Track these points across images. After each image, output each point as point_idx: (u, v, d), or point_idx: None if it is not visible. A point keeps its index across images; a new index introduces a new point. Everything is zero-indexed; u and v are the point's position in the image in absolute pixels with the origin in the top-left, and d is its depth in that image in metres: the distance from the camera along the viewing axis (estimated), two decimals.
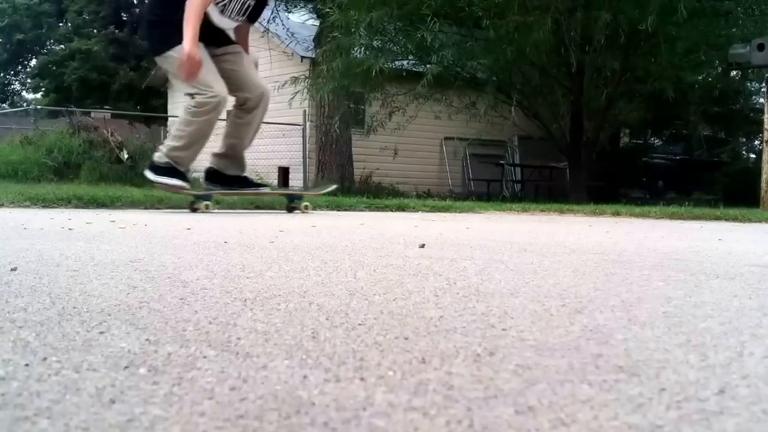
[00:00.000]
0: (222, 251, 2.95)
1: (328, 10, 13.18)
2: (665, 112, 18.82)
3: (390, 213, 8.10)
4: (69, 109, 13.51)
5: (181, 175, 6.48)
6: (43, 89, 29.82)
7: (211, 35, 6.34)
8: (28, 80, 31.96)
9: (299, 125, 15.60)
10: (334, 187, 8.50)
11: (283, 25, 16.18)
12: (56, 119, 15.30)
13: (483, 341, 1.33)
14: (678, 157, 25.77)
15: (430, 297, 1.85)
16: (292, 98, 13.86)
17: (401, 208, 8.69)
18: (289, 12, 17.39)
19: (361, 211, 8.24)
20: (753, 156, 25.28)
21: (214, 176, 6.84)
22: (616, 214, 8.37)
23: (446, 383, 1.04)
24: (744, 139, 26.56)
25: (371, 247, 3.30)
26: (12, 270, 2.19)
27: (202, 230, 4.22)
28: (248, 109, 6.58)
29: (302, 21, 17.05)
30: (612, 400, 0.97)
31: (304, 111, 15.19)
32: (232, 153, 6.80)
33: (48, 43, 30.86)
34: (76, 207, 6.77)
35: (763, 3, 13.19)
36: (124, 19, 30.35)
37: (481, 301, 1.80)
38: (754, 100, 21.88)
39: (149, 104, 26.70)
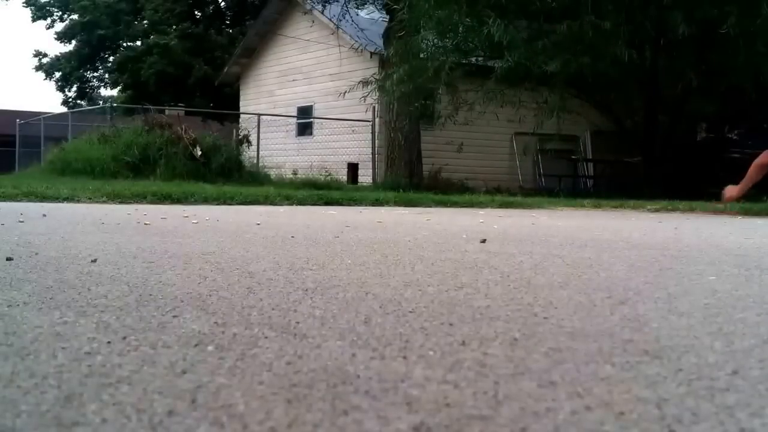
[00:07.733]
0: (289, 245, 3.10)
1: (395, 6, 13.27)
2: (745, 107, 18.33)
3: (457, 209, 8.17)
4: (144, 106, 13.94)
5: None
6: (121, 84, 30.79)
7: None
8: (106, 76, 33.00)
9: (368, 121, 15.77)
10: None
11: (352, 21, 16.37)
12: (131, 117, 15.72)
13: (523, 327, 1.42)
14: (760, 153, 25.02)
15: (482, 288, 1.94)
16: (363, 98, 14.05)
17: (469, 204, 8.75)
18: (359, 9, 17.58)
19: (429, 206, 8.33)
20: None
21: None
22: (690, 210, 8.25)
23: (480, 362, 1.14)
24: None
25: (433, 242, 3.40)
26: (92, 261, 2.37)
27: (271, 226, 4.39)
28: None
29: (372, 18, 17.20)
30: (629, 378, 1.06)
31: (374, 108, 15.35)
32: None
33: (124, 39, 31.85)
34: (151, 202, 7.03)
35: None
36: (198, 16, 31.08)
37: (529, 292, 1.89)
38: None
39: (223, 98, 27.04)
